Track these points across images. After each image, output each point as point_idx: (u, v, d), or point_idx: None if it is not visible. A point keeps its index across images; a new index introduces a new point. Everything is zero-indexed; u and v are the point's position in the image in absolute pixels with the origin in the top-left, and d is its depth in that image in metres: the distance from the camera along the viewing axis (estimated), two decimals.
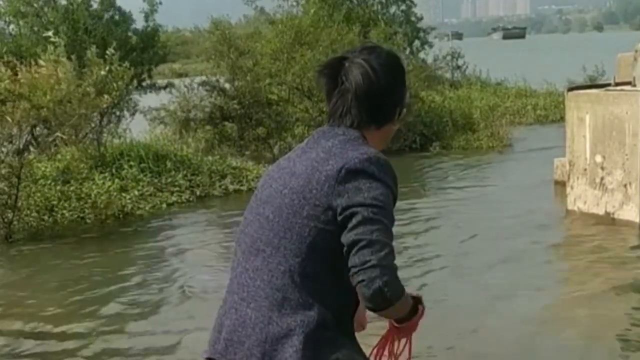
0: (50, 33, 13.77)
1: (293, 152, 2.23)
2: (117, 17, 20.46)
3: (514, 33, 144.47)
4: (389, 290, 1.91)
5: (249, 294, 2.11)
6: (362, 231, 1.94)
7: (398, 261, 1.97)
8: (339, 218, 2.01)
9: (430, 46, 23.96)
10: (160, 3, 20.68)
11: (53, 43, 11.81)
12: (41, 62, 10.19)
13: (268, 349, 2.04)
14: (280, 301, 2.05)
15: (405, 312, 2.10)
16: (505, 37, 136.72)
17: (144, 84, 19.85)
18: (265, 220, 2.14)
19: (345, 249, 1.97)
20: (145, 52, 20.29)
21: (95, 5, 19.99)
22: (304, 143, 2.23)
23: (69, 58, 10.99)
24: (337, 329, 2.09)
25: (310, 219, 2.05)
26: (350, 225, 1.97)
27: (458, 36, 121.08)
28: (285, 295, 2.05)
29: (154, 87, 20.17)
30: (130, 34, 20.33)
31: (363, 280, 1.91)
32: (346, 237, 1.97)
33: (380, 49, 2.26)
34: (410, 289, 2.07)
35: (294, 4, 20.24)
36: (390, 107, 2.22)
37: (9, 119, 8.70)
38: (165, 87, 18.34)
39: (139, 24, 21.06)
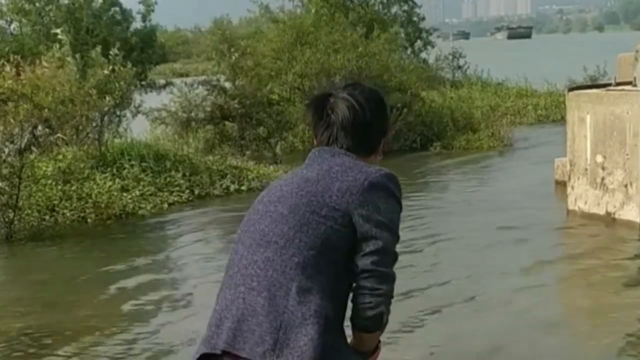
0: (58, 30, 13.81)
1: (297, 169, 2.34)
2: (118, 15, 20.56)
3: (519, 32, 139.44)
4: (385, 317, 2.18)
5: (259, 284, 2.14)
6: (377, 260, 2.14)
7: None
8: (358, 227, 2.15)
9: (433, 46, 23.96)
10: (156, 3, 20.90)
11: (60, 41, 11.81)
12: (44, 62, 10.18)
13: (281, 336, 2.07)
14: (294, 291, 2.10)
15: (374, 344, 2.28)
16: (510, 37, 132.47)
17: (143, 83, 19.90)
18: (279, 216, 2.21)
19: (357, 270, 2.15)
20: (145, 52, 20.40)
21: (97, 5, 20.08)
22: (307, 160, 2.33)
23: (72, 57, 11.00)
24: (336, 327, 2.16)
25: (327, 219, 2.16)
26: (367, 249, 2.15)
27: (465, 36, 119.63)
28: (299, 285, 2.11)
29: (153, 86, 20.23)
30: (130, 34, 20.45)
31: (370, 302, 2.14)
32: (362, 261, 2.15)
33: (362, 85, 2.42)
34: None
35: (299, 3, 20.27)
36: (374, 138, 2.37)
37: (12, 120, 8.69)
38: (164, 87, 18.40)
39: (137, 24, 21.29)
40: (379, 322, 2.18)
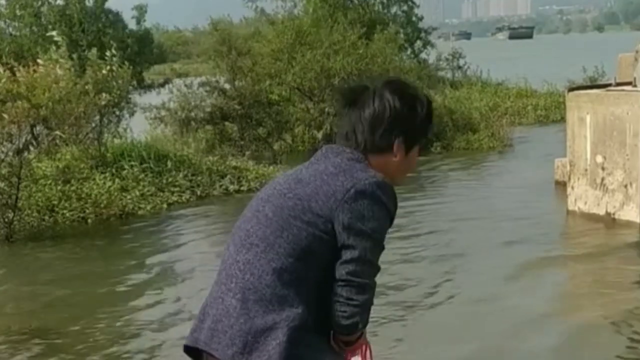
0: (54, 33, 13.84)
1: (302, 165, 2.31)
2: (110, 16, 20.83)
3: (520, 33, 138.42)
4: (361, 325, 2.18)
5: (236, 285, 2.15)
6: (354, 270, 2.12)
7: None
8: (338, 235, 2.12)
9: (432, 46, 23.97)
10: (146, 5, 21.31)
11: (56, 42, 11.83)
12: (39, 61, 10.18)
13: (250, 340, 2.09)
14: (267, 297, 2.11)
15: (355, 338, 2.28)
16: (511, 37, 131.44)
17: (143, 83, 20.00)
18: (263, 218, 2.19)
19: (335, 278, 2.13)
20: (141, 53, 20.61)
21: (90, 4, 20.29)
22: (313, 157, 2.30)
23: (70, 57, 11.00)
24: (316, 333, 2.16)
25: (309, 225, 2.13)
26: (345, 257, 2.12)
27: (466, 36, 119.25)
28: (274, 292, 2.11)
29: (152, 86, 20.34)
30: (126, 34, 20.67)
31: (345, 312, 2.13)
32: (339, 270, 2.13)
33: (400, 81, 2.34)
34: None
35: (293, 3, 20.29)
36: (385, 137, 2.24)
37: (6, 115, 8.67)
38: (163, 85, 18.46)
39: (132, 26, 21.60)
40: (353, 329, 2.18)
